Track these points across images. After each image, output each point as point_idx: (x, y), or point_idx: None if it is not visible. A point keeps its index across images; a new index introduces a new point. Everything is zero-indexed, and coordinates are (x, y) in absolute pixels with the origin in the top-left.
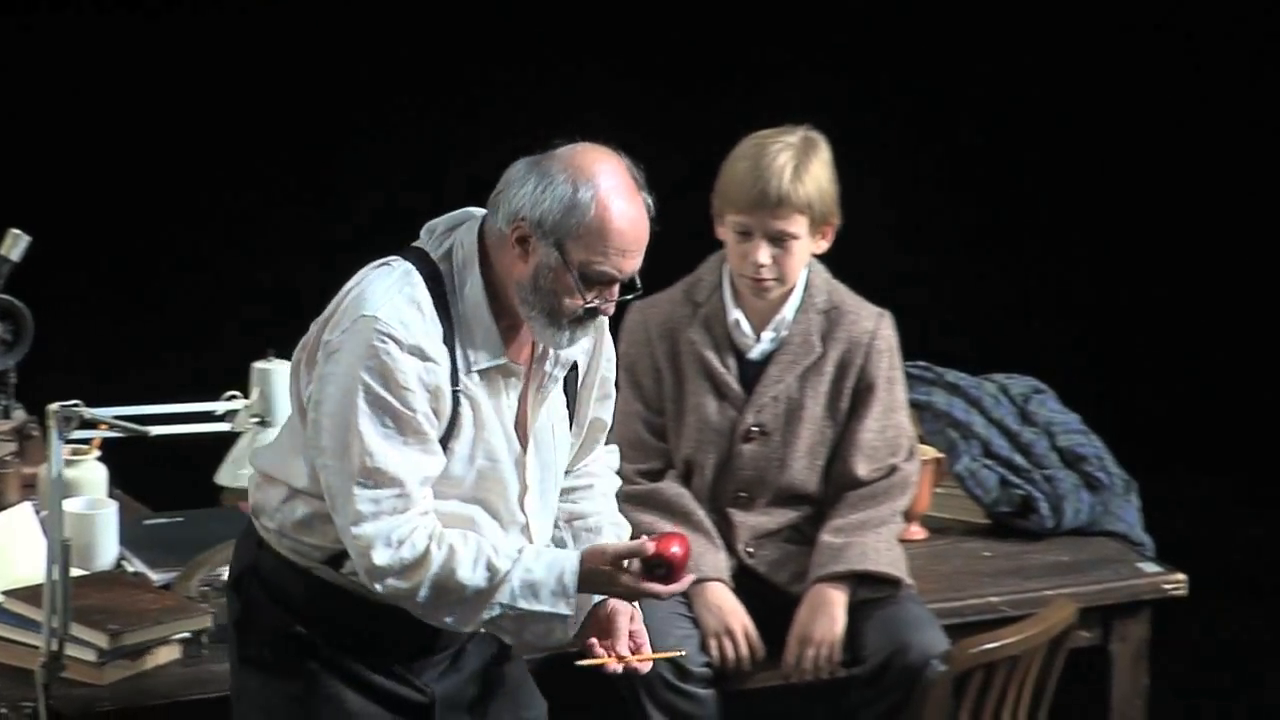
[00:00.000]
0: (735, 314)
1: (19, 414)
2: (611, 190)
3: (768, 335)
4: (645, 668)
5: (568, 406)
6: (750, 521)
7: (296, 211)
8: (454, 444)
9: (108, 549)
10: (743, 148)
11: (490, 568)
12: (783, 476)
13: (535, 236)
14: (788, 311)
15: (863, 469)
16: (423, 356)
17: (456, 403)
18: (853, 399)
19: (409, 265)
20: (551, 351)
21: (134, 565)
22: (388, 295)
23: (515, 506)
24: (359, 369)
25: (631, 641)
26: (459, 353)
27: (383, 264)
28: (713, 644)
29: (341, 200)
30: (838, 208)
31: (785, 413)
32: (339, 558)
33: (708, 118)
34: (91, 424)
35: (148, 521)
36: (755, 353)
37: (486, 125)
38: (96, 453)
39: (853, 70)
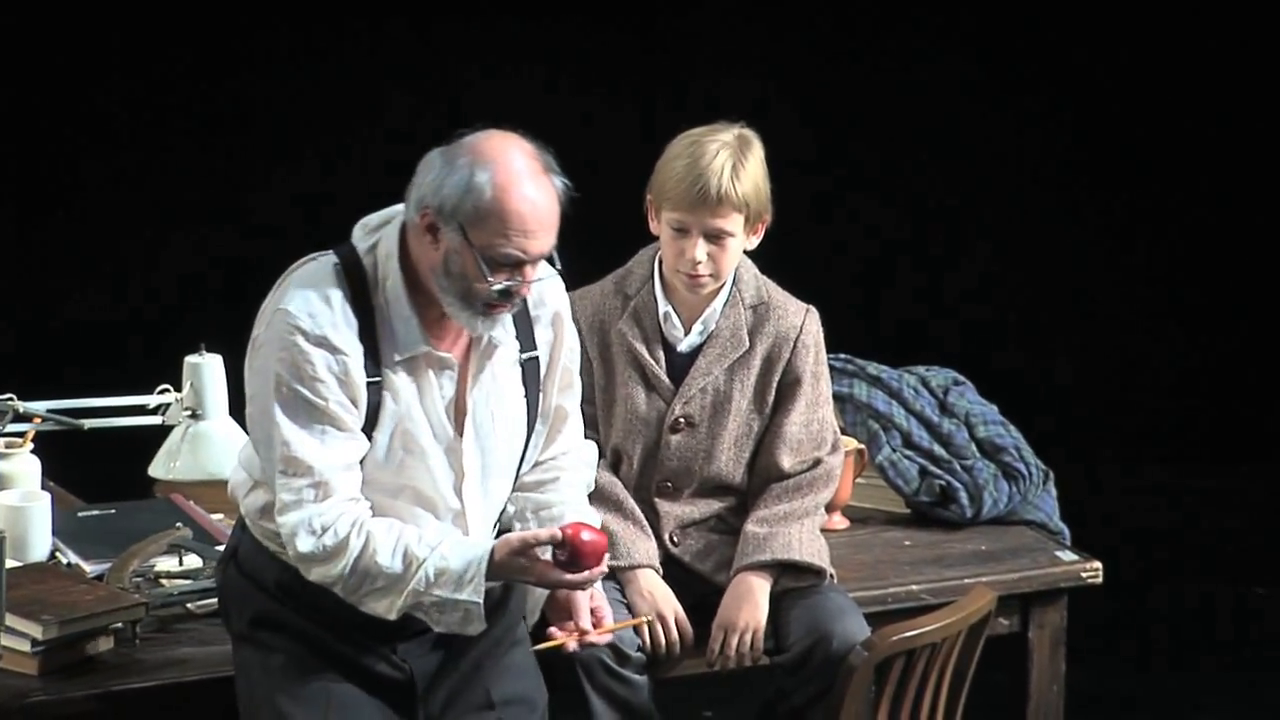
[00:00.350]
0: (665, 307)
1: None
2: (510, 173)
3: (697, 328)
4: (604, 639)
5: (529, 396)
6: (676, 511)
7: (237, 207)
8: (376, 434)
9: (41, 541)
10: (678, 146)
11: (407, 555)
12: (708, 467)
13: (441, 223)
14: (717, 306)
15: (787, 462)
16: (330, 348)
17: (377, 393)
18: (779, 393)
19: (332, 259)
20: (485, 338)
21: (67, 557)
22: (301, 289)
23: (450, 493)
24: (274, 361)
25: (593, 616)
26: (380, 344)
27: (310, 259)
28: (644, 627)
29: (282, 195)
30: (770, 205)
31: (712, 405)
32: None
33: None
34: (25, 417)
35: (81, 513)
36: (684, 345)
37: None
38: (30, 446)
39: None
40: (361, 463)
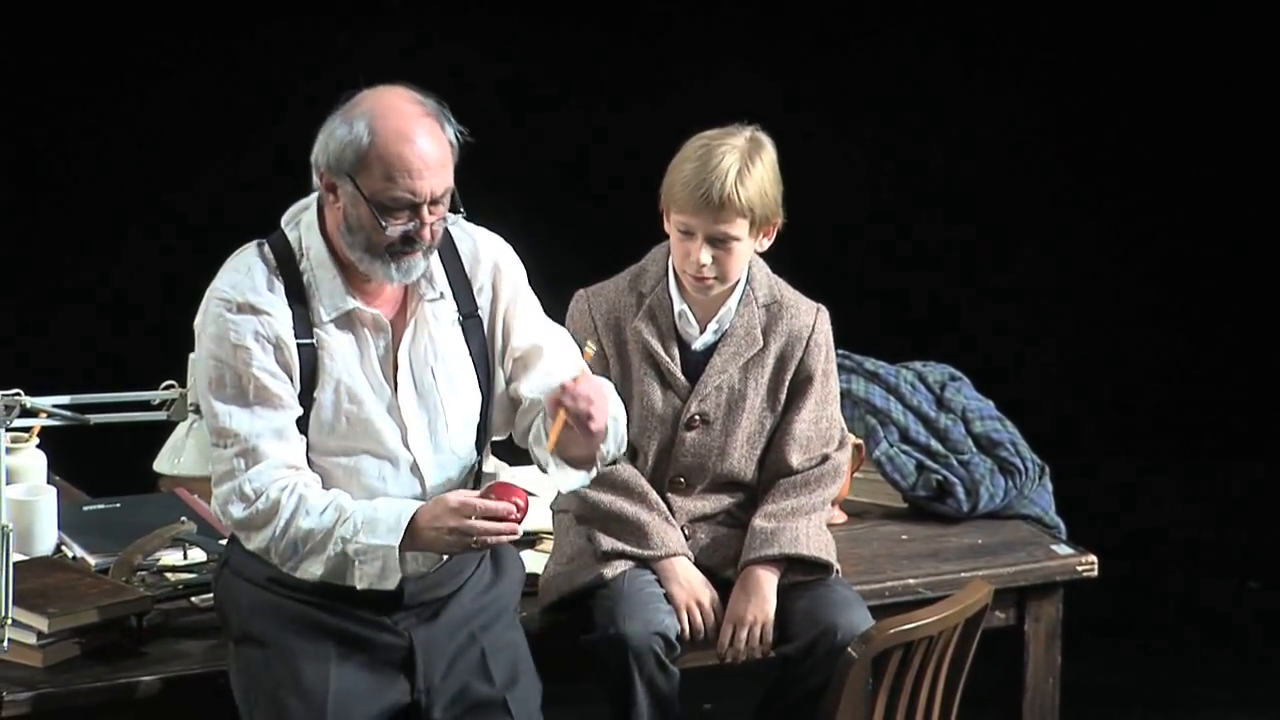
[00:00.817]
0: (681, 306)
1: None
2: (387, 117)
3: (711, 327)
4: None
5: (473, 355)
6: (687, 506)
7: (245, 205)
8: (317, 393)
9: (47, 534)
10: (689, 148)
11: (337, 509)
12: (722, 464)
13: (335, 179)
14: (731, 304)
15: (796, 459)
16: (253, 311)
17: (312, 355)
18: (790, 390)
19: (257, 241)
20: (417, 298)
21: (73, 550)
22: (225, 269)
23: (398, 446)
24: (205, 339)
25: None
26: (311, 306)
27: (242, 248)
28: (684, 615)
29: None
30: (780, 208)
31: (727, 403)
32: None
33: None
34: (32, 412)
35: (86, 507)
36: (698, 344)
37: None
38: (36, 440)
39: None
40: (304, 429)
